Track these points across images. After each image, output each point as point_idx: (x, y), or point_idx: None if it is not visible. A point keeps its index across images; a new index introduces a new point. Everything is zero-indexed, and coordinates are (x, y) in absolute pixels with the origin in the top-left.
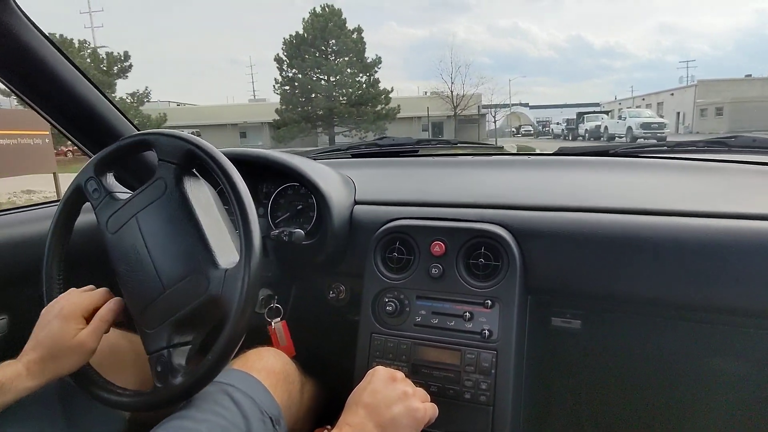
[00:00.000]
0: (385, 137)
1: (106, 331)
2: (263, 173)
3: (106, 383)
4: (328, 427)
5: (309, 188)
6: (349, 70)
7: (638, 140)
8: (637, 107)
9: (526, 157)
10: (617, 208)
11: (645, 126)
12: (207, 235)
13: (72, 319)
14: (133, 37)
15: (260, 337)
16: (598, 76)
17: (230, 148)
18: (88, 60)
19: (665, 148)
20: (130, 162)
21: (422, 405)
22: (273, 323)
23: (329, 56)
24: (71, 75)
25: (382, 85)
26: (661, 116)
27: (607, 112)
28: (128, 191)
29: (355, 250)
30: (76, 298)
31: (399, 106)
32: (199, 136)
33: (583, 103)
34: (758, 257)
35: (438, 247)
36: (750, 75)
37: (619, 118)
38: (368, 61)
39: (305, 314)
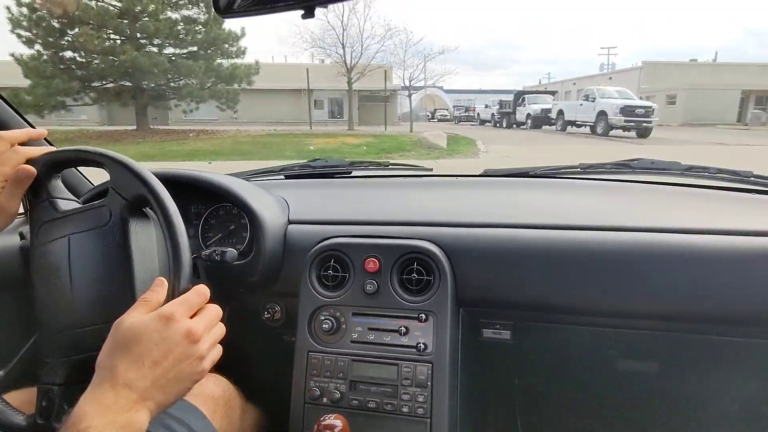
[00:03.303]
0: (318, 159)
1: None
2: (193, 193)
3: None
4: None
5: (241, 208)
6: None
7: (615, 129)
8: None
9: (454, 178)
10: (537, 224)
11: (627, 111)
12: (137, 288)
13: None
14: None
15: None
16: (505, 66)
17: (161, 169)
18: None
19: (579, 170)
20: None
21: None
22: None
23: None
24: None
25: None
26: (641, 97)
27: (552, 93)
28: (73, 200)
29: (290, 270)
30: None
31: (257, 62)
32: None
33: (499, 90)
34: (663, 266)
35: (372, 264)
36: (695, 59)
37: (585, 99)
38: None
39: (240, 336)
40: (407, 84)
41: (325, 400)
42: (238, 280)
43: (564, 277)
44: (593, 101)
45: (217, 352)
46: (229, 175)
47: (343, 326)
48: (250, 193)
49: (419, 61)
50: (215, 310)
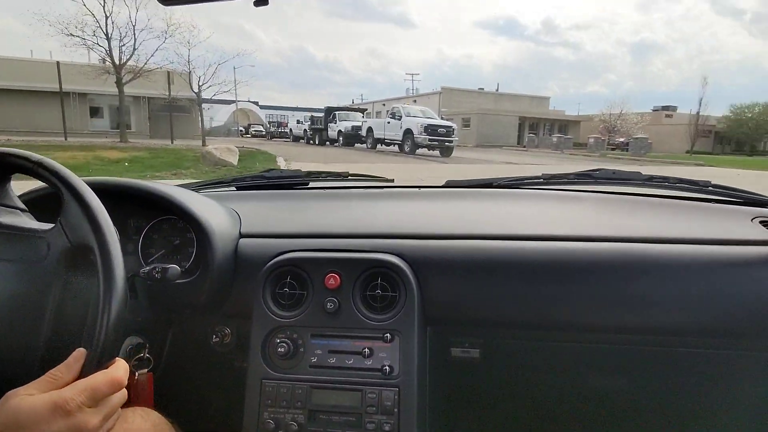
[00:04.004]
0: (273, 169)
1: None
2: (133, 205)
3: None
4: None
5: (186, 220)
6: None
7: (421, 147)
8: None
9: (416, 189)
10: (505, 235)
11: (430, 130)
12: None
13: None
14: None
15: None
16: (322, 87)
17: (93, 177)
18: None
19: (542, 180)
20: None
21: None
22: (137, 375)
23: None
24: None
25: None
26: (443, 118)
27: (362, 110)
28: (21, 209)
29: (241, 288)
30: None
31: None
32: None
33: (315, 108)
34: (630, 276)
35: (333, 280)
36: (482, 88)
37: (392, 117)
38: None
39: (185, 363)
40: (197, 90)
41: None
42: (183, 300)
43: (534, 289)
44: (399, 119)
45: None
46: (176, 186)
47: (301, 349)
48: (197, 205)
49: (224, 70)
50: (118, 400)
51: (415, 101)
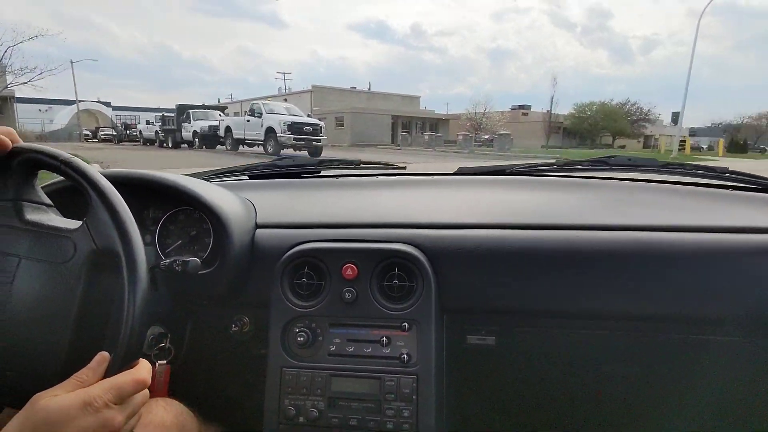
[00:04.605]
0: (285, 157)
1: None
2: (149, 196)
3: None
4: None
5: (203, 211)
6: None
7: (286, 148)
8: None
9: (429, 177)
10: (520, 224)
11: (295, 128)
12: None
13: None
14: None
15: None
16: (191, 86)
17: (112, 170)
18: None
19: (556, 167)
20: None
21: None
22: (157, 365)
23: None
24: None
25: None
26: (309, 115)
27: (222, 109)
28: (47, 205)
29: (259, 278)
30: None
31: None
32: None
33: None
34: (647, 265)
35: (350, 270)
36: (354, 87)
37: (251, 114)
38: None
39: (205, 352)
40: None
41: (301, 419)
42: (202, 291)
43: (550, 278)
44: (260, 117)
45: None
46: (187, 175)
47: (320, 338)
48: (213, 195)
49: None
50: (142, 399)
51: (286, 100)
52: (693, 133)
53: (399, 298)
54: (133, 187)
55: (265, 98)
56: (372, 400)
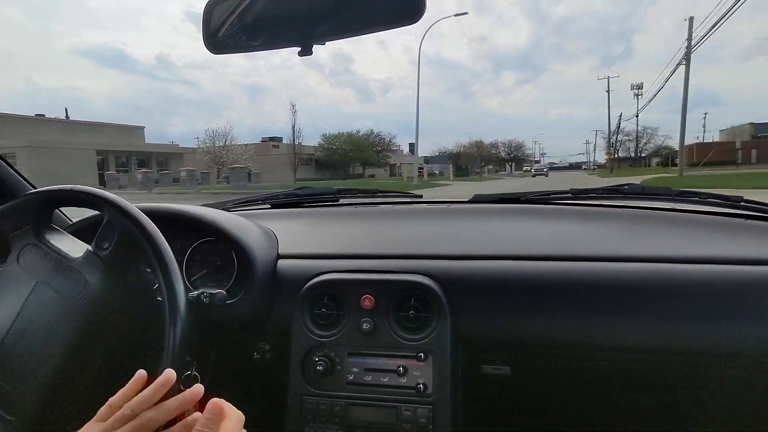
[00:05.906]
0: (305, 187)
1: None
2: (175, 228)
3: None
4: None
5: (228, 242)
6: None
7: None
8: None
9: (445, 206)
10: (535, 255)
11: None
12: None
13: None
14: None
15: None
16: None
17: (146, 204)
18: None
19: (570, 195)
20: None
21: None
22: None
23: None
24: None
25: None
26: None
27: None
28: (65, 232)
29: (281, 308)
30: None
31: None
32: None
33: None
34: (662, 297)
35: (368, 302)
36: (43, 114)
37: None
38: None
39: (228, 379)
40: None
41: None
42: (226, 321)
43: (566, 310)
44: None
45: None
46: (206, 205)
47: (338, 367)
48: (237, 226)
49: None
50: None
51: None
52: (427, 161)
53: (415, 328)
54: (160, 219)
55: None
56: (389, 430)
